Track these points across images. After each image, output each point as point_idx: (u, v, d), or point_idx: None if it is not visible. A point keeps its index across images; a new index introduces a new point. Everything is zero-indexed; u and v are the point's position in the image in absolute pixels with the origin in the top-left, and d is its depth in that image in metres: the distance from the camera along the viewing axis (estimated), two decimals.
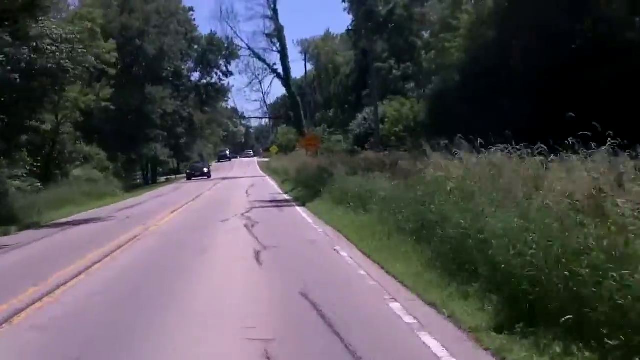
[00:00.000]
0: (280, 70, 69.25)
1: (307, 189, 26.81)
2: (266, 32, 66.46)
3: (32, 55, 23.70)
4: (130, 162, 59.40)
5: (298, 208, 22.49)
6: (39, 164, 33.75)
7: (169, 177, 71.23)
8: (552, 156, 8.52)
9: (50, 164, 36.49)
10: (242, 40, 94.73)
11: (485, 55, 29.01)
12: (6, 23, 23.06)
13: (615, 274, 5.19)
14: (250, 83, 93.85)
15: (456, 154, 11.66)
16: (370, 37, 51.28)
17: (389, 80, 56.51)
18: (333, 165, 23.68)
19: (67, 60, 24.89)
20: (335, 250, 12.72)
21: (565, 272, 5.72)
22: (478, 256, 7.66)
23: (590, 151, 7.64)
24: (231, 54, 69.58)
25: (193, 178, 57.36)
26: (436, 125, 32.39)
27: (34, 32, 23.77)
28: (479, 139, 11.03)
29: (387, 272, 9.87)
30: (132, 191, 48.13)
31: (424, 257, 9.80)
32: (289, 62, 66.78)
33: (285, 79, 68.05)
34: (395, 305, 7.81)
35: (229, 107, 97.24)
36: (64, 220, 23.85)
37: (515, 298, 6.41)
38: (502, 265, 6.77)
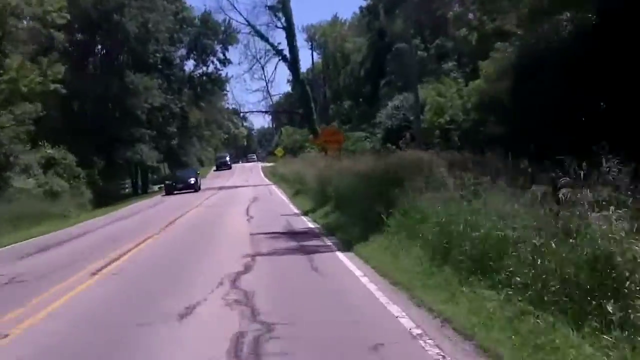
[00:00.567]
0: (286, 52, 56.52)
1: (343, 210, 16.17)
2: (268, 3, 54.79)
3: None
4: (111, 167, 48.61)
5: (343, 257, 11.31)
6: None
7: (161, 185, 60.42)
8: None
9: None
10: (240, 14, 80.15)
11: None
12: None
13: None
14: (251, 69, 72.12)
15: None
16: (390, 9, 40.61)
17: (420, 61, 45.97)
18: (407, 170, 12.68)
19: None
20: None
21: None
22: None
23: None
24: (229, 38, 58.57)
25: (176, 191, 41.02)
26: (501, 114, 22.07)
27: None
28: None
29: None
30: (112, 204, 37.67)
31: None
32: (296, 41, 55.12)
33: (292, 63, 55.71)
34: None
35: (229, 105, 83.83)
36: None
37: None
38: None
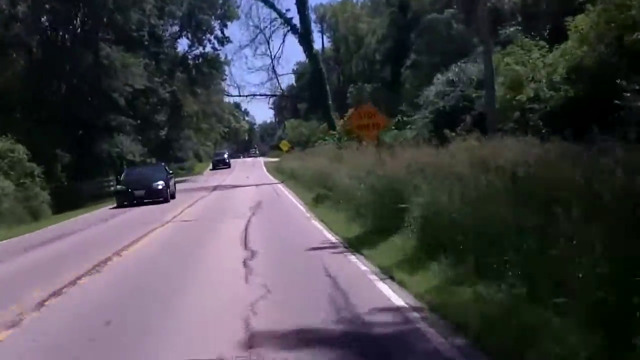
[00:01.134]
0: (296, 21, 45.61)
1: (465, 258, 6.84)
2: None
3: None
4: (85, 162, 38.98)
5: None
6: None
7: None
8: None
9: None
10: None
11: None
12: None
13: None
14: (254, 40, 54.92)
15: None
16: None
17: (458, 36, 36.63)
18: None
19: None
20: None
21: None
22: None
23: None
24: (228, 12, 48.71)
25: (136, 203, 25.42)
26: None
27: None
28: None
29: None
30: (84, 207, 29.21)
31: None
32: (308, 9, 44.52)
33: (304, 35, 44.26)
34: None
35: (228, 86, 70.85)
36: None
37: None
38: None
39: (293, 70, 74.25)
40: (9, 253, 13.89)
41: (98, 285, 8.96)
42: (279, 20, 48.10)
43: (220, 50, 51.62)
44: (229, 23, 50.16)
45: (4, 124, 29.38)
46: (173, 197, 26.71)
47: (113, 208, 25.58)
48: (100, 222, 20.23)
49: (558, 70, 20.22)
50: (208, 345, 5.56)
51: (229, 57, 52.84)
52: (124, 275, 9.78)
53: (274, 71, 53.60)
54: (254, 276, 8.61)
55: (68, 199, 31.87)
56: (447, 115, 22.52)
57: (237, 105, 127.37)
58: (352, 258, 9.57)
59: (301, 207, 19.04)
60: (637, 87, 13.89)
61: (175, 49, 50.54)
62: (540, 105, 20.32)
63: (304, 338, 5.55)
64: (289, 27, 46.85)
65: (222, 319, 6.50)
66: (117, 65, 36.17)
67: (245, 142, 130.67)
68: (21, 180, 28.20)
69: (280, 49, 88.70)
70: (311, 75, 46.54)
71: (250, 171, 52.33)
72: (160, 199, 25.26)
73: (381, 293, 7.18)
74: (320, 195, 19.35)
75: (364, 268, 8.73)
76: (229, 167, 62.76)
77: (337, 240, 11.52)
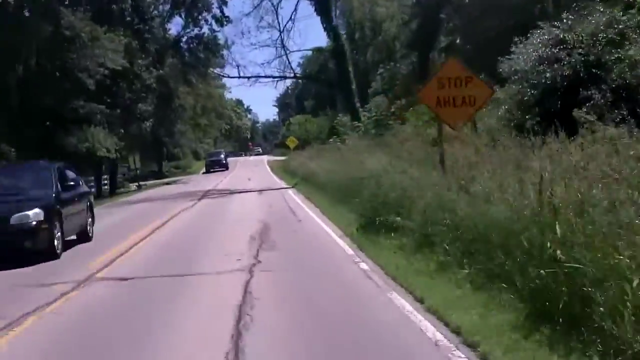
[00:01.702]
0: None
1: None
2: None
3: None
4: (48, 158, 30.15)
5: None
6: None
7: (142, 183, 42.31)
8: None
9: None
10: None
11: None
12: None
13: None
14: (257, 7, 39.22)
15: None
16: None
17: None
18: None
19: None
20: None
21: None
22: None
23: None
24: None
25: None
26: None
27: None
28: None
29: None
30: None
31: None
32: None
33: (321, 1, 34.29)
34: None
35: (229, 64, 58.76)
36: None
37: None
38: None
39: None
40: None
41: None
42: None
43: (219, 31, 42.87)
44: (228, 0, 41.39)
45: None
46: (87, 236, 13.25)
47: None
48: None
49: None
50: None
51: (232, 45, 43.21)
52: None
53: (283, 46, 38.83)
54: None
55: None
56: (553, 93, 13.92)
57: (239, 102, 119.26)
58: None
59: (341, 243, 10.52)
60: None
61: (167, 30, 41.95)
62: None
63: None
64: None
65: None
66: (83, 38, 27.63)
67: (248, 139, 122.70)
68: None
69: (292, 17, 63.30)
70: (331, 53, 37.12)
71: (253, 171, 43.72)
72: (34, 251, 10.71)
73: None
74: (372, 218, 10.79)
75: None
76: (227, 169, 52.88)
77: None
